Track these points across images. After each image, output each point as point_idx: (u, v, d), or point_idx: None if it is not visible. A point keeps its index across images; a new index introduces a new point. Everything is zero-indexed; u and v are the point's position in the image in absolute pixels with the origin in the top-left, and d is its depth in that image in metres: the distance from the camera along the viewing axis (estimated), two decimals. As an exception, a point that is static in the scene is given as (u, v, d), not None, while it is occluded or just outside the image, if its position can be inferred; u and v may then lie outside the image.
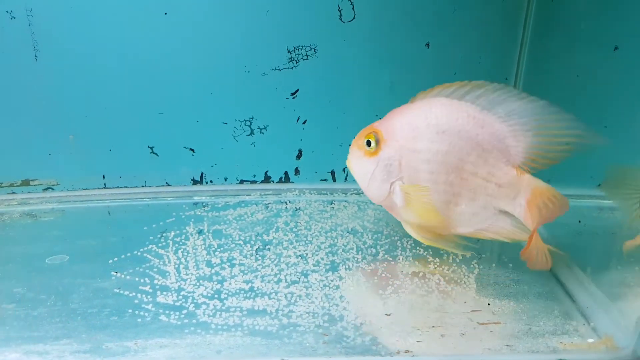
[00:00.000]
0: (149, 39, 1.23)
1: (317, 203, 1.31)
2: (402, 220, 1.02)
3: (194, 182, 1.39)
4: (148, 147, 1.34)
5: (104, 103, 1.28)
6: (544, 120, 0.91)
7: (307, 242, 1.10)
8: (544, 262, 0.92)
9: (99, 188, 1.36)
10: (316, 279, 0.96)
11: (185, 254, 1.05)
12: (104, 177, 1.35)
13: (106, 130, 1.30)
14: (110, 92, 1.27)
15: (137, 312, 0.87)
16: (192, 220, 1.20)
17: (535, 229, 0.90)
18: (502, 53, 1.29)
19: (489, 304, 0.90)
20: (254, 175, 1.40)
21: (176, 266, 1.00)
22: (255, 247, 1.08)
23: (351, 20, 1.25)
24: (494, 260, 1.04)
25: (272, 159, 1.38)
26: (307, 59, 1.28)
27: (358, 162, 1.01)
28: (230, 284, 0.94)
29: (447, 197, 0.96)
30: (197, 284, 0.94)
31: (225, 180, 1.39)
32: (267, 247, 1.08)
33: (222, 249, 1.07)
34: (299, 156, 1.38)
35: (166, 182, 1.38)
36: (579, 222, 1.12)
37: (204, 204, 1.29)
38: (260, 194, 1.35)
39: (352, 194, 1.35)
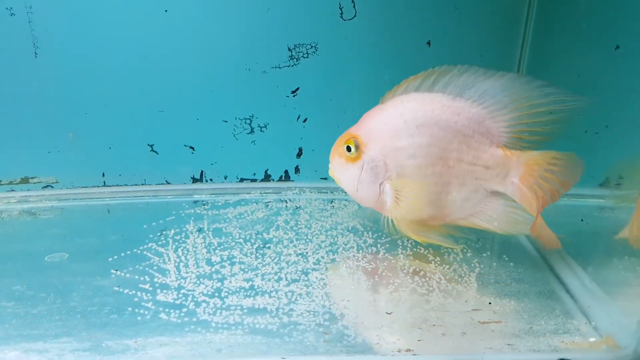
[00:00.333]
0: (150, 37, 1.23)
1: (317, 201, 1.30)
2: (395, 219, 1.02)
3: (194, 180, 1.38)
4: (148, 145, 1.33)
5: (103, 101, 1.27)
6: (517, 94, 0.91)
7: (307, 240, 1.10)
8: (553, 238, 0.92)
9: (98, 186, 1.35)
10: (317, 278, 0.96)
11: (185, 252, 1.04)
12: (103, 175, 1.35)
13: (106, 128, 1.30)
14: (110, 89, 1.27)
15: (137, 310, 0.86)
16: (192, 218, 1.20)
17: (541, 203, 0.90)
18: (504, 51, 1.29)
19: (490, 303, 0.89)
20: (254, 174, 1.39)
21: (176, 264, 1.00)
22: (255, 246, 1.07)
23: (352, 19, 1.25)
24: (494, 259, 1.04)
25: (273, 157, 1.38)
26: (307, 57, 1.28)
27: (341, 169, 1.02)
28: (230, 282, 0.94)
29: (437, 187, 0.96)
30: (197, 282, 0.94)
31: (225, 178, 1.39)
32: (267, 246, 1.07)
33: (222, 247, 1.07)
34: (299, 154, 1.38)
35: (166, 180, 1.37)
36: (582, 220, 1.12)
37: (204, 202, 1.29)
38: (261, 193, 1.35)
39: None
